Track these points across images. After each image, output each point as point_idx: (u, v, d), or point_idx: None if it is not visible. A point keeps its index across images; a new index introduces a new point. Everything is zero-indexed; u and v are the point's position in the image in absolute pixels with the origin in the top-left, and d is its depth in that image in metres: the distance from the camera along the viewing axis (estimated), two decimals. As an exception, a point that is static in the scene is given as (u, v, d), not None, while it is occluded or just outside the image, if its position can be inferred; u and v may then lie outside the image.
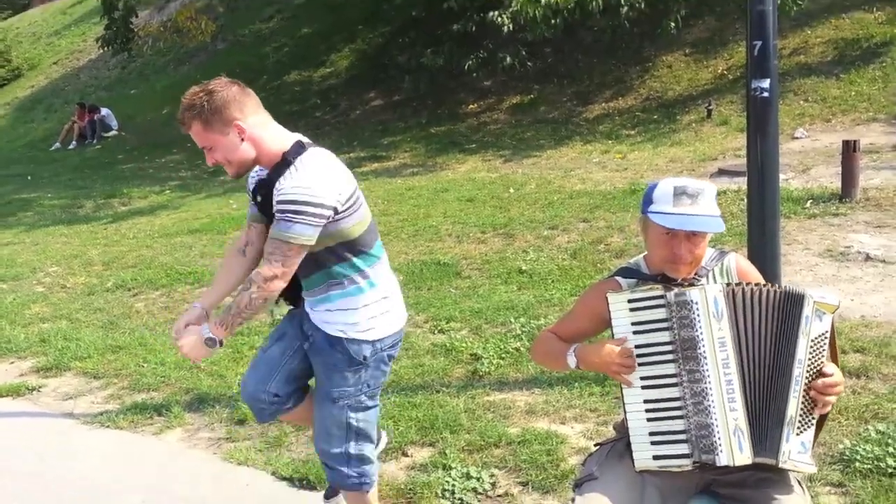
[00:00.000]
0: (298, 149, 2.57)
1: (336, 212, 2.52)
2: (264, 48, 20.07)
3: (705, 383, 2.12)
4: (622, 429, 2.34)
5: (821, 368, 2.17)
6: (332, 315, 2.68)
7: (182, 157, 15.77)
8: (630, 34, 13.45)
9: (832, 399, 2.18)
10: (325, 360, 2.74)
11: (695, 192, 2.22)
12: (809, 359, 2.14)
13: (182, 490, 3.74)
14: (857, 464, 3.37)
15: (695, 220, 2.20)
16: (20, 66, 28.43)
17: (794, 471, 2.19)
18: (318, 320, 2.71)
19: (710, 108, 11.45)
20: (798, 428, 2.15)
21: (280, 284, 2.53)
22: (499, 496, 3.50)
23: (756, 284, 2.19)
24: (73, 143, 19.00)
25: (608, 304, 2.23)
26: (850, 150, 7.08)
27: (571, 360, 2.33)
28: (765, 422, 2.13)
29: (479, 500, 3.48)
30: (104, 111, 19.13)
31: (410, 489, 3.54)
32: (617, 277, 2.42)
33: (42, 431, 4.50)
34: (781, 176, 8.17)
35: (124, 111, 19.88)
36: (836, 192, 7.26)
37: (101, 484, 3.84)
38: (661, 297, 2.17)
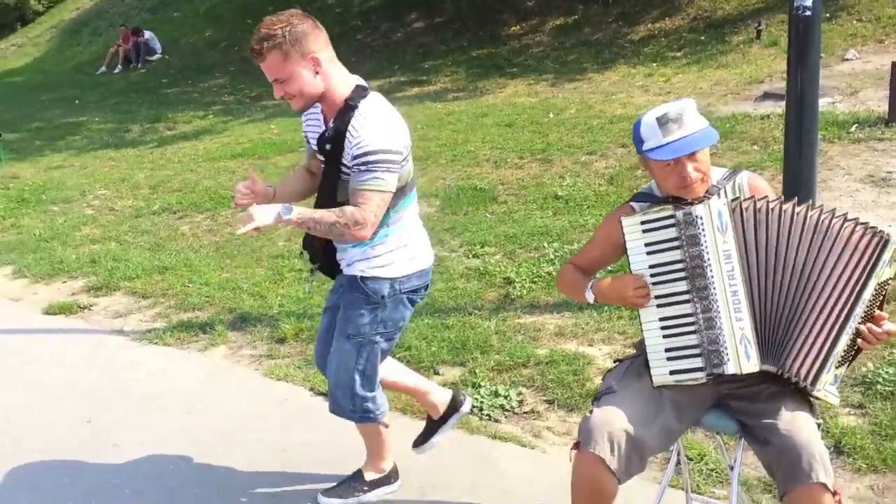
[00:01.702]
0: (361, 93, 2.59)
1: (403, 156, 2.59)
2: (305, -32, 19.83)
3: (712, 295, 2.20)
4: (641, 347, 2.42)
5: (873, 311, 2.22)
6: (356, 256, 2.72)
7: (225, 81, 15.88)
8: (679, -50, 13.02)
9: (880, 342, 2.24)
10: (347, 301, 2.78)
11: (677, 115, 2.25)
12: (871, 300, 2.20)
13: (226, 402, 3.95)
14: (879, 386, 3.43)
15: (690, 141, 2.23)
16: (65, -11, 28.55)
17: (821, 399, 2.27)
18: (344, 264, 2.78)
19: (760, 28, 11.10)
20: (839, 362, 2.22)
21: (366, 234, 2.55)
22: (525, 413, 3.64)
23: (772, 199, 2.23)
24: (119, 66, 19.17)
25: (622, 227, 2.30)
26: (899, 72, 6.86)
27: (590, 296, 2.43)
28: (782, 333, 2.20)
29: (506, 417, 3.62)
30: (148, 34, 19.22)
31: (441, 405, 3.68)
32: (631, 203, 2.48)
33: (94, 347, 4.74)
34: (828, 99, 8.03)
35: (167, 34, 19.94)
36: (883, 116, 7.08)
37: (150, 395, 4.07)
38: (672, 216, 2.23)
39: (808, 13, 3.99)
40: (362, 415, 2.90)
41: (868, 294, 2.17)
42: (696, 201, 2.27)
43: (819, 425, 2.26)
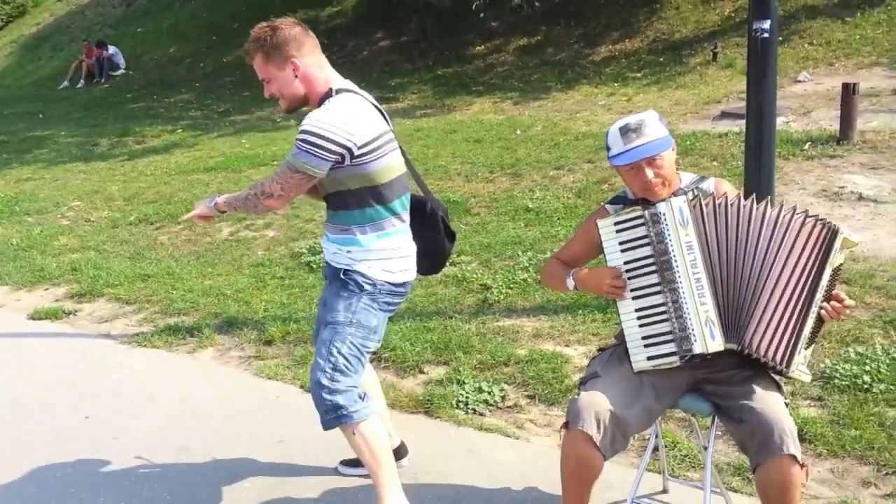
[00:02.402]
0: (336, 91, 2.74)
1: (352, 154, 2.63)
2: (271, -14, 19.98)
3: (677, 283, 2.44)
4: (621, 337, 2.65)
5: (832, 292, 2.47)
6: (342, 251, 2.81)
7: (191, 96, 15.93)
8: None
9: (841, 316, 2.51)
10: (329, 290, 2.85)
11: (637, 125, 2.52)
12: (828, 285, 2.45)
13: (217, 400, 4.09)
14: (836, 380, 3.70)
15: (645, 148, 2.50)
16: (25, 3, 28.26)
17: (796, 379, 2.53)
18: (329, 255, 2.88)
19: (717, 50, 11.55)
20: (807, 343, 2.48)
21: (273, 204, 2.68)
22: (508, 407, 3.84)
23: (730, 197, 2.49)
24: (82, 81, 19.08)
25: (598, 228, 2.57)
26: (848, 93, 7.26)
27: (570, 283, 2.68)
28: (745, 315, 2.43)
29: (490, 411, 3.82)
30: (112, 49, 19.18)
31: (428, 400, 3.88)
32: (606, 206, 2.74)
33: (82, 350, 4.85)
34: (782, 118, 8.43)
35: (131, 49, 19.91)
36: (835, 135, 7.47)
37: (141, 394, 4.20)
38: (640, 216, 2.49)
39: (766, 35, 4.30)
40: (332, 413, 2.74)
41: (825, 280, 2.43)
42: (661, 201, 2.53)
43: (787, 404, 2.51)
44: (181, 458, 3.57)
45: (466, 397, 3.89)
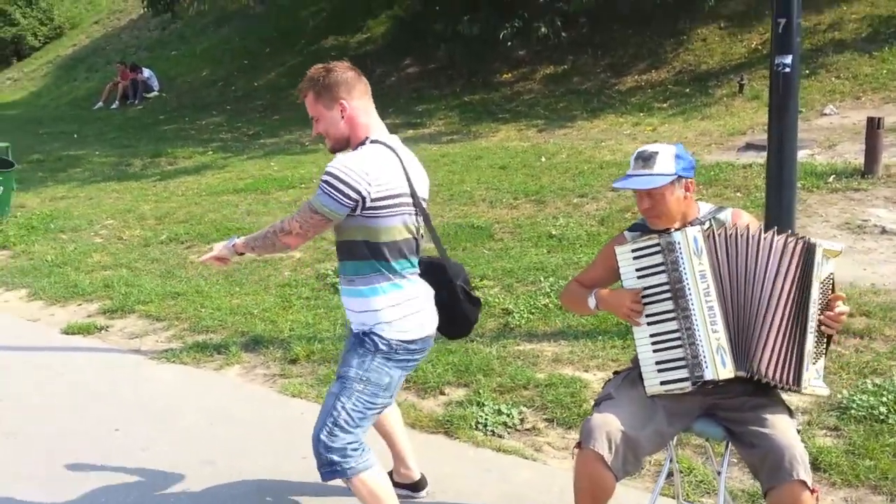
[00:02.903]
0: (371, 141, 2.79)
1: (365, 202, 2.63)
2: (302, 12, 20.39)
3: (691, 311, 2.52)
4: (635, 361, 2.73)
5: (829, 302, 2.55)
6: (357, 313, 2.80)
7: (222, 119, 16.24)
8: (666, 5, 13.60)
9: (841, 324, 2.58)
10: (348, 343, 2.89)
11: (649, 155, 2.63)
12: (820, 298, 2.52)
13: (243, 415, 4.20)
14: (853, 411, 3.73)
15: (635, 180, 2.62)
16: (62, 25, 29.04)
17: (812, 394, 2.59)
18: (347, 312, 2.90)
19: (743, 82, 11.61)
20: (814, 358, 2.53)
21: (292, 241, 2.73)
22: (527, 430, 3.91)
23: (742, 228, 2.56)
24: (116, 102, 19.54)
25: (616, 255, 2.65)
26: (873, 127, 7.30)
27: (591, 302, 2.77)
28: (753, 342, 2.50)
29: (508, 433, 3.89)
30: (146, 72, 19.62)
31: (448, 420, 3.96)
32: (625, 233, 2.85)
33: (114, 364, 4.99)
34: (807, 151, 8.48)
35: (165, 72, 20.37)
36: (859, 168, 7.50)
37: (171, 407, 4.32)
38: (657, 244, 2.57)
39: (787, 70, 4.38)
40: (328, 468, 2.76)
41: (815, 293, 2.50)
42: (678, 230, 2.60)
43: (798, 430, 2.56)
44: (206, 471, 3.67)
45: (486, 419, 3.97)
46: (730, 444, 2.67)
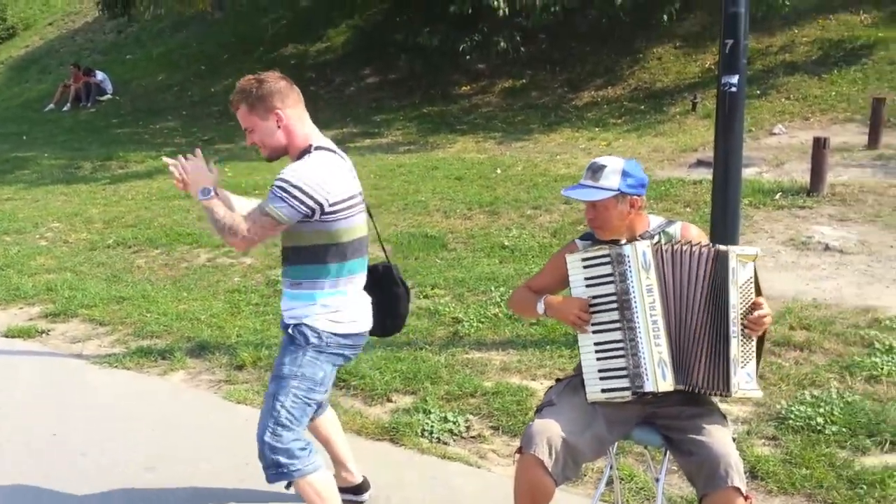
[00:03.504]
0: (315, 148, 2.82)
1: (322, 209, 2.68)
2: (262, 19, 20.27)
3: (635, 323, 2.56)
4: (578, 368, 2.76)
5: (751, 305, 2.59)
6: (295, 306, 2.83)
7: (177, 124, 16.05)
8: (623, 25, 13.81)
9: (764, 327, 2.61)
10: (282, 344, 2.90)
11: (598, 167, 2.68)
12: (741, 302, 2.57)
13: (187, 421, 4.13)
14: (791, 421, 3.81)
15: (579, 190, 2.68)
16: (15, 25, 28.41)
17: (745, 398, 2.64)
18: (284, 310, 2.92)
19: (696, 101, 11.84)
20: (742, 362, 2.57)
21: (238, 242, 2.67)
22: (472, 437, 3.91)
23: (686, 242, 2.61)
24: (68, 105, 19.17)
25: (566, 262, 2.68)
26: (819, 147, 7.48)
27: (540, 307, 2.78)
28: (689, 355, 2.55)
29: (454, 440, 3.89)
30: (100, 75, 19.31)
31: (394, 428, 3.95)
32: (576, 241, 2.88)
33: (54, 369, 4.88)
34: (756, 169, 8.66)
35: (119, 76, 20.06)
36: (805, 186, 7.68)
37: (113, 412, 4.23)
38: (607, 255, 2.61)
39: (734, 89, 4.47)
40: (274, 469, 2.79)
41: (734, 299, 2.54)
42: (628, 243, 2.64)
43: (734, 439, 2.60)
44: (147, 477, 3.60)
45: (432, 426, 3.96)
46: (668, 452, 2.71)
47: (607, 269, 2.61)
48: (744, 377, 2.57)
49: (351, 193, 2.79)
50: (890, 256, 6.02)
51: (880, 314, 4.95)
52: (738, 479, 2.41)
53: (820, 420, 3.78)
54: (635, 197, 2.68)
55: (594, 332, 2.64)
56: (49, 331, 5.54)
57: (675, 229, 2.77)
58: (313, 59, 17.79)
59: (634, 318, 2.56)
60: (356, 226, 2.83)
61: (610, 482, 3.10)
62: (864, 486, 3.31)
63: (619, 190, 2.64)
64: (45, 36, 26.55)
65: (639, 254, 2.56)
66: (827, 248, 6.34)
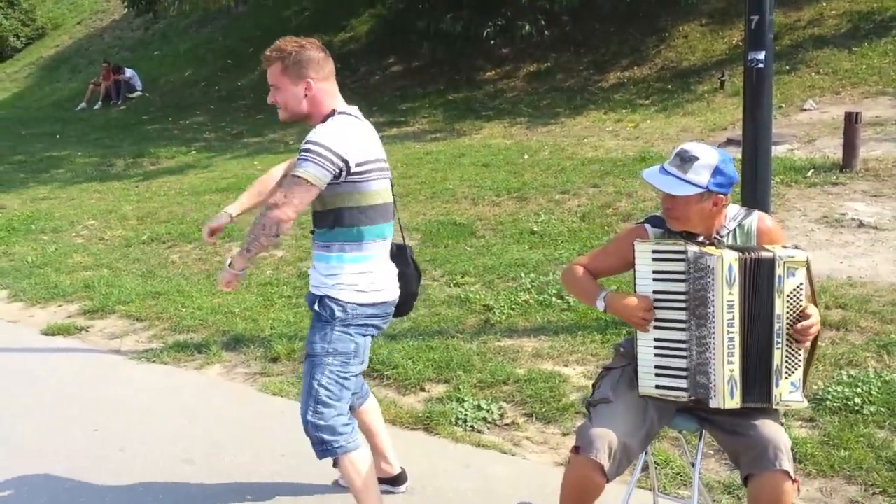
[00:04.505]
0: (339, 112, 2.85)
1: (349, 169, 2.70)
2: (285, 11, 20.32)
3: (710, 337, 2.46)
4: (629, 355, 2.71)
5: (800, 313, 2.48)
6: (321, 275, 2.84)
7: (205, 119, 16.18)
8: (647, 3, 13.66)
9: (811, 337, 2.51)
10: (312, 320, 2.91)
11: (689, 157, 2.49)
12: (788, 311, 2.46)
13: (223, 414, 4.20)
14: (829, 402, 3.77)
15: (662, 179, 2.52)
16: (44, 26, 28.81)
17: (787, 408, 2.56)
18: (312, 277, 2.94)
19: (724, 78, 11.68)
20: (786, 372, 2.49)
21: (284, 213, 2.65)
22: (506, 425, 3.93)
23: (755, 251, 2.47)
24: (98, 103, 19.42)
25: (634, 251, 2.55)
26: (851, 121, 7.36)
27: (601, 305, 2.66)
28: (756, 374, 2.47)
29: (488, 428, 3.91)
30: (129, 72, 19.52)
31: (428, 417, 3.98)
32: (646, 225, 2.70)
33: (93, 364, 4.97)
34: (787, 146, 8.55)
35: (147, 72, 20.27)
36: (837, 163, 7.56)
37: (151, 407, 4.31)
38: (683, 252, 2.46)
39: (761, 66, 4.41)
40: (319, 447, 2.85)
41: (779, 309, 2.43)
42: (708, 242, 2.54)
43: (782, 423, 2.56)
44: (185, 469, 3.67)
45: (465, 415, 3.98)
46: (703, 436, 2.70)
47: (680, 266, 2.47)
48: (787, 387, 2.49)
49: (375, 156, 2.82)
50: (927, 232, 5.92)
51: (918, 291, 4.88)
52: (788, 461, 2.37)
53: (858, 400, 3.74)
54: (720, 195, 2.52)
55: (655, 327, 2.54)
56: (88, 328, 5.64)
57: (752, 222, 2.63)
58: (337, 50, 17.81)
59: (710, 332, 2.45)
60: (382, 189, 2.85)
61: (645, 468, 3.10)
62: (904, 467, 3.28)
63: (705, 188, 2.48)
64: (74, 35, 26.90)
65: (725, 268, 2.40)
66: (861, 224, 6.24)
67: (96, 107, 19.34)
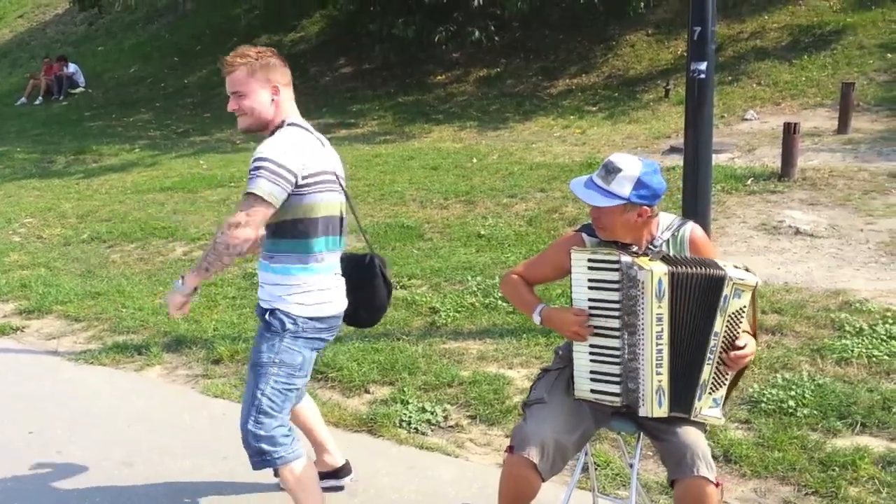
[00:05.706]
0: (288, 124, 2.82)
1: (297, 182, 2.67)
2: (235, 10, 20.10)
3: (639, 348, 2.50)
4: (567, 358, 2.74)
5: (735, 338, 2.54)
6: (269, 287, 2.83)
7: (150, 116, 15.89)
8: (596, 12, 13.84)
9: (741, 367, 2.60)
10: (259, 330, 2.89)
11: (613, 168, 2.52)
12: (726, 331, 2.52)
13: (164, 417, 4.13)
14: (763, 405, 3.87)
15: (583, 191, 2.56)
16: (-17, 18, 27.98)
17: (704, 421, 2.60)
18: (261, 291, 2.92)
19: (669, 87, 11.91)
20: (710, 388, 2.56)
21: (243, 233, 2.62)
22: (450, 427, 3.94)
23: (697, 265, 2.50)
24: (40, 98, 18.93)
25: (571, 259, 2.58)
26: (790, 132, 7.57)
27: (537, 319, 2.70)
28: (683, 384, 2.53)
29: (432, 430, 3.92)
30: (72, 67, 19.06)
31: (372, 419, 3.97)
32: (583, 234, 2.74)
33: (29, 365, 4.85)
34: (728, 154, 8.75)
35: (91, 68, 19.81)
36: (776, 172, 7.77)
37: (89, 409, 4.22)
38: (617, 262, 2.48)
39: (702, 76, 4.52)
40: (258, 457, 2.82)
41: (718, 326, 2.48)
42: (641, 252, 2.57)
43: (705, 429, 2.63)
44: (125, 473, 3.60)
45: (409, 417, 3.98)
46: (641, 438, 2.75)
47: (614, 276, 2.49)
48: (709, 402, 2.55)
49: (323, 168, 2.78)
50: (859, 240, 6.11)
51: (850, 297, 5.03)
52: (705, 467, 2.43)
53: (792, 403, 3.84)
54: (645, 207, 2.54)
55: (591, 334, 2.57)
56: (24, 328, 5.50)
57: (685, 232, 2.67)
58: (287, 50, 17.65)
59: (639, 342, 2.49)
60: (328, 202, 2.81)
61: (585, 469, 3.14)
62: (836, 468, 3.38)
63: (626, 199, 2.50)
64: (16, 29, 26.16)
65: (654, 280, 2.44)
66: (798, 232, 6.42)
67: (37, 102, 18.84)
